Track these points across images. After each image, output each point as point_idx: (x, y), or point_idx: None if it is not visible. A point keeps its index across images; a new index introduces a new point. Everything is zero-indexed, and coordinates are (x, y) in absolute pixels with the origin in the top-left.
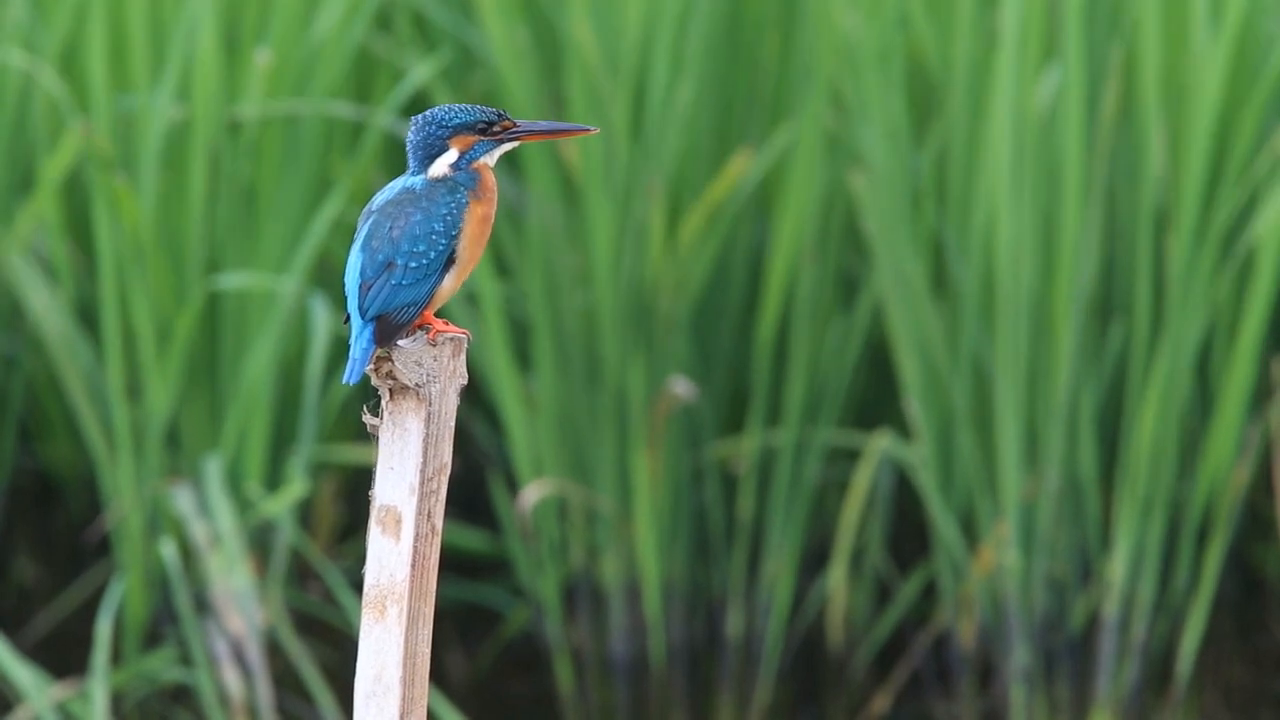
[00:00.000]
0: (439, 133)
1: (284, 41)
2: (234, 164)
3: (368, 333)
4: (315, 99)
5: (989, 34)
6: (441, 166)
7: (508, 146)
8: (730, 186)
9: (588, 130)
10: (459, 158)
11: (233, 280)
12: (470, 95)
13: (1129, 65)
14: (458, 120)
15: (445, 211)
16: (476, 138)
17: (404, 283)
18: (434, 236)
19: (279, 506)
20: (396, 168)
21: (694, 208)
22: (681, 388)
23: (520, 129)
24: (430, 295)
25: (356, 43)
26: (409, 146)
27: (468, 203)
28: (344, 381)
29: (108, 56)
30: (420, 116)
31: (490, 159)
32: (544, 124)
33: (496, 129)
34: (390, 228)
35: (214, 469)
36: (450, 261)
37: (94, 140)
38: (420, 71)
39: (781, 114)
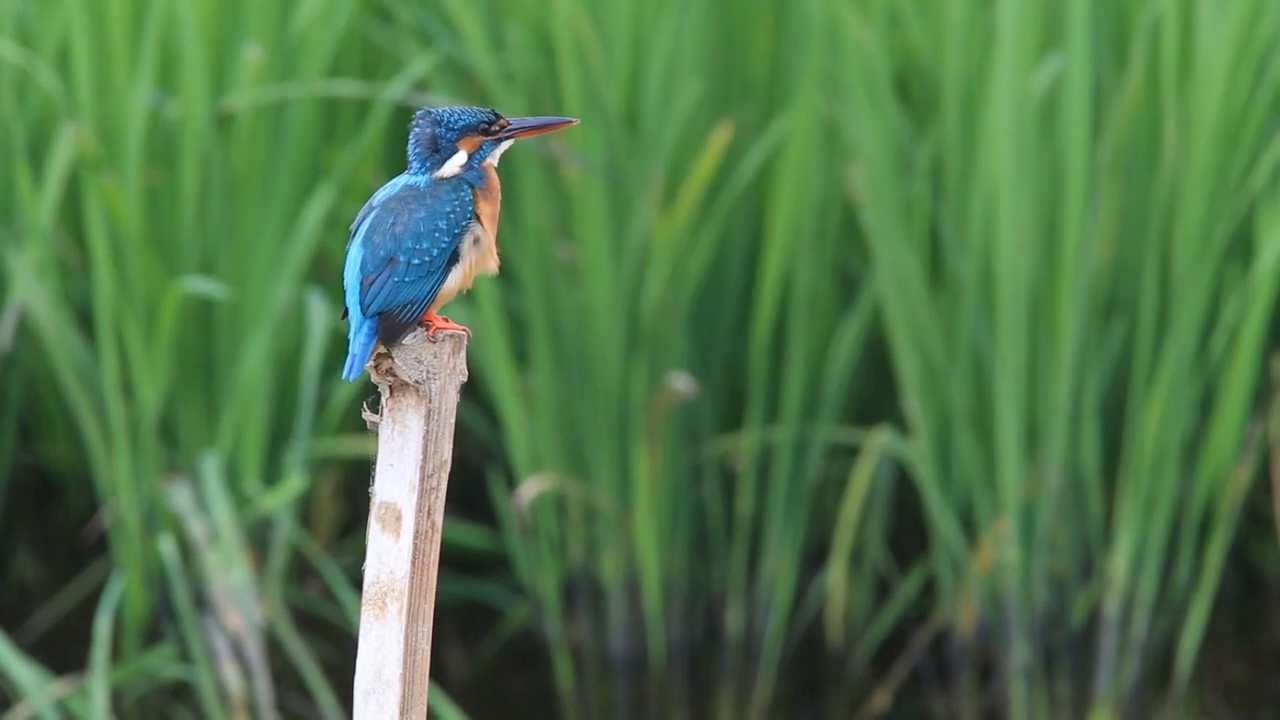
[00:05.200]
0: (447, 135)
1: (268, 33)
2: (224, 157)
3: (367, 328)
4: (306, 84)
5: (982, 25)
6: (453, 168)
7: (506, 145)
8: (715, 161)
9: (571, 122)
10: (469, 158)
11: (213, 286)
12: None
13: (1130, 57)
14: (463, 122)
15: (449, 209)
16: (481, 138)
17: (406, 279)
18: (437, 234)
19: (276, 502)
20: (393, 162)
21: (685, 188)
22: (681, 384)
23: (514, 126)
24: (433, 293)
25: (340, 29)
26: (412, 146)
27: (474, 201)
28: (344, 378)
29: (93, 53)
30: (424, 117)
31: (493, 158)
32: (532, 120)
33: (495, 128)
34: (393, 223)
35: (211, 465)
36: (454, 259)
37: (83, 142)
38: (419, 64)
39: (776, 106)
